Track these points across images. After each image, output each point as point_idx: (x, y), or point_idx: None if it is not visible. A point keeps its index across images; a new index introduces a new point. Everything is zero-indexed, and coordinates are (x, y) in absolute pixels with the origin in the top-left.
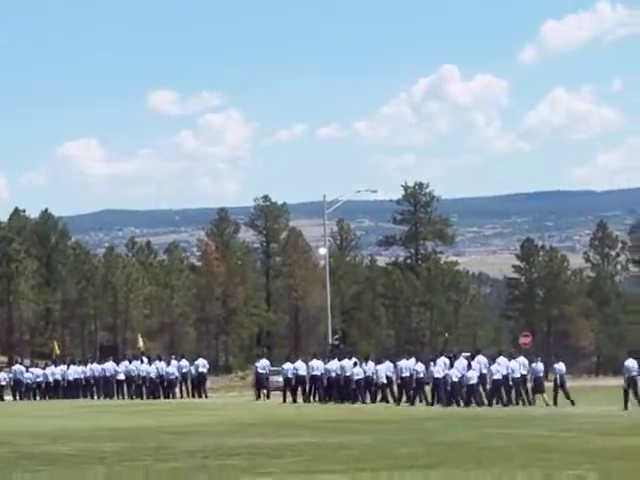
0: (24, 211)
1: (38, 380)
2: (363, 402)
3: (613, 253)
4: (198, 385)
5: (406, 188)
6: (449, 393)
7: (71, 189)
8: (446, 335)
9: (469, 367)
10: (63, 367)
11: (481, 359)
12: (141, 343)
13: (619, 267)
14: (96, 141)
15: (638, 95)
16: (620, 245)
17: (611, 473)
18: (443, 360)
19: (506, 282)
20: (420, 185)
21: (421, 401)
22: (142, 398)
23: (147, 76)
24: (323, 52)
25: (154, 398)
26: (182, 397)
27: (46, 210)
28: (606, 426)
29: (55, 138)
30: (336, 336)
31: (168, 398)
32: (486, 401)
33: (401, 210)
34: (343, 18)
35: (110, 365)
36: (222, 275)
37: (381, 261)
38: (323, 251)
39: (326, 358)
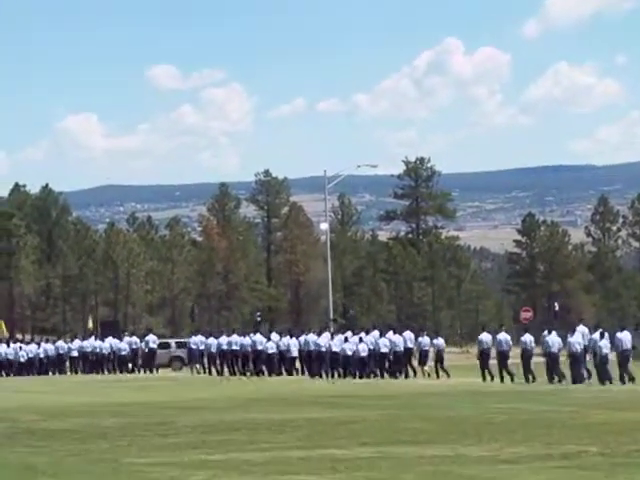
0: (24, 186)
1: None
2: (269, 374)
3: (614, 228)
4: (148, 360)
5: (407, 163)
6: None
7: (71, 164)
8: (351, 312)
9: (360, 341)
10: (15, 346)
11: (375, 334)
12: None
13: (620, 242)
14: (96, 116)
15: None
16: (621, 220)
17: (611, 447)
18: (344, 335)
19: (507, 257)
20: (421, 160)
21: (322, 375)
22: (98, 373)
23: (147, 51)
24: (324, 26)
25: (103, 373)
26: (135, 372)
27: (46, 185)
28: (606, 401)
29: (55, 113)
30: (258, 313)
31: (122, 373)
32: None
33: (402, 185)
34: None
35: (61, 343)
36: (223, 250)
37: (382, 236)
38: (324, 226)
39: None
